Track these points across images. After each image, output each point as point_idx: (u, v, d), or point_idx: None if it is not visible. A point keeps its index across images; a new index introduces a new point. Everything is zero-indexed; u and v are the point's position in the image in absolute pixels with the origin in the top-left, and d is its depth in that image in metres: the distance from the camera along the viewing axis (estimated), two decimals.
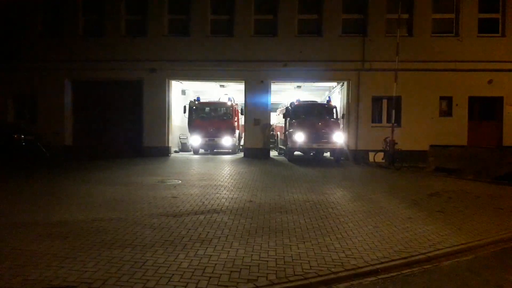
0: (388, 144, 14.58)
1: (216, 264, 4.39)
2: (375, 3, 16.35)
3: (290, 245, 5.12)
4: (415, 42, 16.17)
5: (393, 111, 15.37)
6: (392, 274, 4.41)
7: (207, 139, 17.82)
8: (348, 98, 16.78)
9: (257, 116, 16.86)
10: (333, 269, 4.35)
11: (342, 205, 7.61)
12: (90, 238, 5.20)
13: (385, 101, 16.64)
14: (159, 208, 7.00)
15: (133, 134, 17.13)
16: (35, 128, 16.21)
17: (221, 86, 21.19)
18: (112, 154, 16.03)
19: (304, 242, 5.25)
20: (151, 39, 16.82)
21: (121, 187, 8.99)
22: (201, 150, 18.71)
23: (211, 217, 6.42)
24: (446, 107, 16.47)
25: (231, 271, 4.21)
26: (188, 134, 18.80)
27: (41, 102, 17.02)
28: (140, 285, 3.82)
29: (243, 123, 18.54)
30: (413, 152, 14.76)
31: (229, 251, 4.83)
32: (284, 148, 17.66)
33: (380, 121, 16.74)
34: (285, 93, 21.96)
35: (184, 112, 18.56)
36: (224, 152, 18.78)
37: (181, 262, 4.42)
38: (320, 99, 22.86)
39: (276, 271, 4.27)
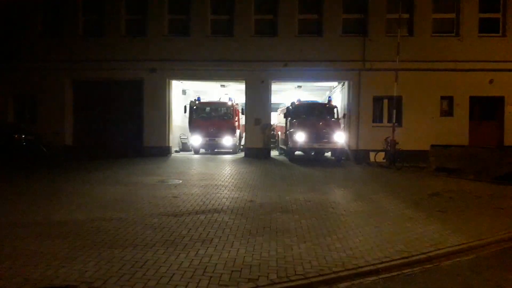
0: (389, 144, 14.57)
1: (217, 263, 4.39)
2: (376, 3, 16.32)
3: (291, 244, 5.11)
4: (416, 42, 16.14)
5: (394, 111, 15.34)
6: (393, 273, 4.40)
7: (207, 139, 17.82)
8: (349, 98, 16.76)
9: (257, 116, 16.83)
10: (334, 269, 4.34)
11: (343, 205, 7.60)
12: (91, 237, 5.20)
13: (385, 101, 16.62)
14: (159, 207, 7.00)
15: (133, 134, 17.11)
16: (35, 128, 16.20)
17: (221, 86, 21.18)
18: (113, 154, 16.01)
19: (305, 241, 5.25)
20: (151, 39, 16.81)
21: (122, 187, 8.99)
22: (202, 150, 18.69)
23: (212, 216, 6.42)
24: (447, 107, 16.44)
25: (232, 271, 4.21)
26: (189, 134, 18.79)
27: (41, 102, 17.01)
28: (141, 284, 3.82)
29: (243, 123, 18.53)
30: (414, 152, 14.73)
31: (230, 250, 4.83)
32: (285, 148, 17.65)
33: (381, 121, 16.72)
34: (285, 93, 21.94)
35: (185, 112, 18.55)
36: (225, 152, 18.77)
37: (182, 261, 4.41)
38: (321, 99, 22.86)
39: (277, 270, 4.26)
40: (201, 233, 5.49)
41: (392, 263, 4.61)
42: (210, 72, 17.11)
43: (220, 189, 8.92)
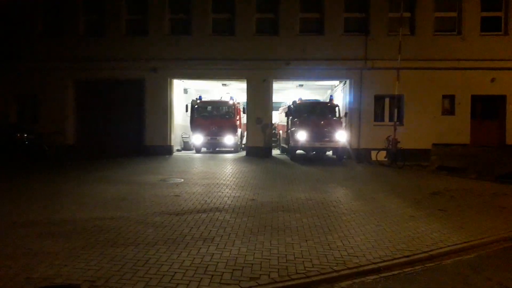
0: (390, 143, 14.54)
1: (218, 262, 4.40)
2: (377, 2, 16.30)
3: (292, 243, 5.12)
4: (418, 41, 16.11)
5: (396, 110, 15.33)
6: (394, 272, 4.41)
7: (209, 137, 17.84)
8: (351, 97, 16.74)
9: (259, 115, 16.84)
10: (335, 267, 4.35)
11: (344, 203, 7.60)
12: (93, 236, 5.22)
13: (387, 100, 16.60)
14: (161, 206, 7.01)
15: (135, 133, 17.14)
16: (37, 128, 16.24)
17: (223, 85, 21.17)
18: (114, 153, 16.04)
19: (306, 240, 5.25)
20: (152, 39, 16.82)
21: (123, 186, 9.01)
22: (203, 149, 18.72)
23: (213, 215, 6.43)
24: (449, 106, 16.41)
25: (234, 269, 4.22)
26: (190, 132, 18.81)
27: (43, 102, 17.06)
28: (142, 283, 3.83)
29: (245, 121, 18.51)
30: (415, 151, 14.72)
31: (231, 249, 4.84)
32: (286, 146, 17.65)
33: (382, 119, 16.71)
34: (287, 92, 21.93)
35: (186, 110, 18.57)
36: (226, 150, 18.78)
37: (184, 260, 4.43)
38: (322, 97, 22.83)
39: (278, 269, 4.27)
40: (202, 232, 5.50)
41: (394, 261, 4.62)
42: (212, 71, 17.12)
43: (222, 187, 8.93)
